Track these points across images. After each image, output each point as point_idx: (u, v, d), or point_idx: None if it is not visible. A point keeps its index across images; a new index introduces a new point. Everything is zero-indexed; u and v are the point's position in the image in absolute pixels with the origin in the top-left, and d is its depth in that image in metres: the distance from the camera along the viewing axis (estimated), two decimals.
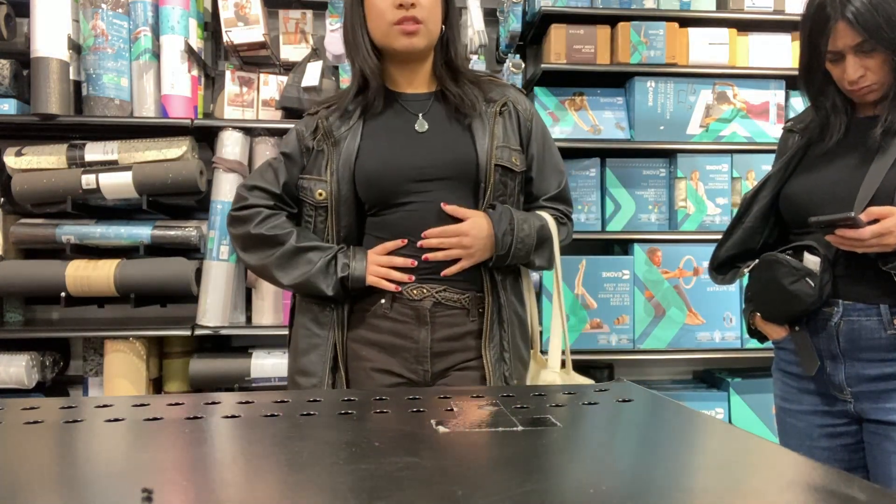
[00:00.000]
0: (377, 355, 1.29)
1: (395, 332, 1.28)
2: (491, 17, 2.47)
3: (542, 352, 1.45)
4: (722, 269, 1.50)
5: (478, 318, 1.31)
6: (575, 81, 2.41)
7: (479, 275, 1.30)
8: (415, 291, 1.27)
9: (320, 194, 1.31)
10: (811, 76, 1.37)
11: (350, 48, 1.33)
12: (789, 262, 1.33)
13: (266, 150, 2.27)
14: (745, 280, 1.47)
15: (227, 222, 1.41)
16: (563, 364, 1.40)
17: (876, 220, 1.20)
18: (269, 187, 1.36)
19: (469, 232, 1.25)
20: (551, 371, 1.37)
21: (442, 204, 1.26)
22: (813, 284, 1.30)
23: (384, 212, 1.30)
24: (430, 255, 1.26)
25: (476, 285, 1.31)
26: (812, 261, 1.32)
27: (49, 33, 2.07)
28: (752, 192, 1.45)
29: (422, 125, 1.32)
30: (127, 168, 2.11)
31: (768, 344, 1.50)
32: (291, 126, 2.22)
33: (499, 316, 1.30)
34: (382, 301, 1.28)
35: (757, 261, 1.41)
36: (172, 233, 2.19)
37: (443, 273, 1.26)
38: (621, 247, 2.48)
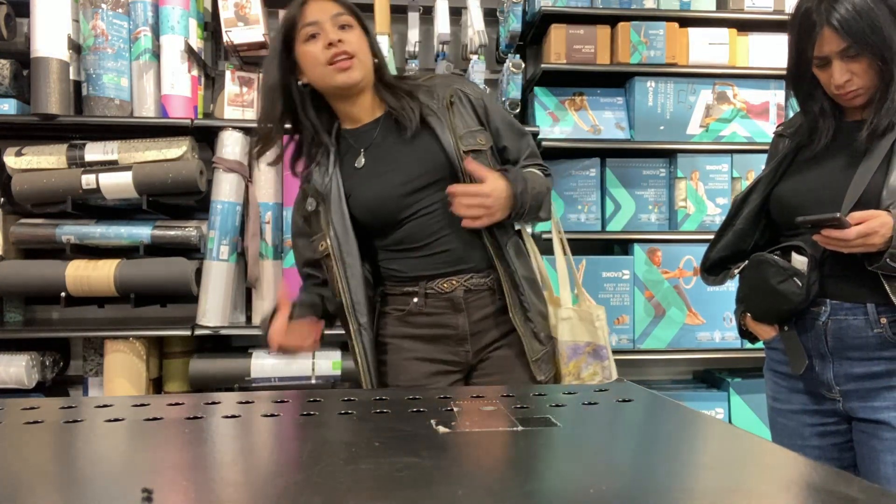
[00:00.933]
0: (419, 346, 1.40)
1: (434, 323, 1.39)
2: (491, 17, 2.47)
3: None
4: (713, 270, 1.52)
5: (503, 295, 1.40)
6: (575, 81, 2.41)
7: (485, 252, 1.39)
8: (445, 285, 1.38)
9: (322, 247, 1.40)
10: (799, 81, 1.39)
11: (267, 105, 1.43)
12: (777, 262, 1.35)
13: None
14: (737, 281, 1.48)
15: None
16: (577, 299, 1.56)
17: (861, 223, 1.21)
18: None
19: (491, 193, 1.31)
20: (565, 308, 1.50)
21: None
22: (800, 284, 1.32)
23: (393, 230, 1.39)
24: (457, 210, 1.32)
25: (485, 262, 1.40)
26: (800, 261, 1.33)
27: (49, 33, 2.07)
28: (743, 194, 1.47)
29: (359, 161, 1.41)
30: (127, 168, 2.11)
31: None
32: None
33: (512, 280, 1.39)
34: (416, 300, 1.39)
35: (747, 262, 1.42)
36: (172, 233, 2.19)
37: (463, 224, 1.32)
38: (621, 247, 2.48)
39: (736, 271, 1.46)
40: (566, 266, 1.56)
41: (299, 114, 1.42)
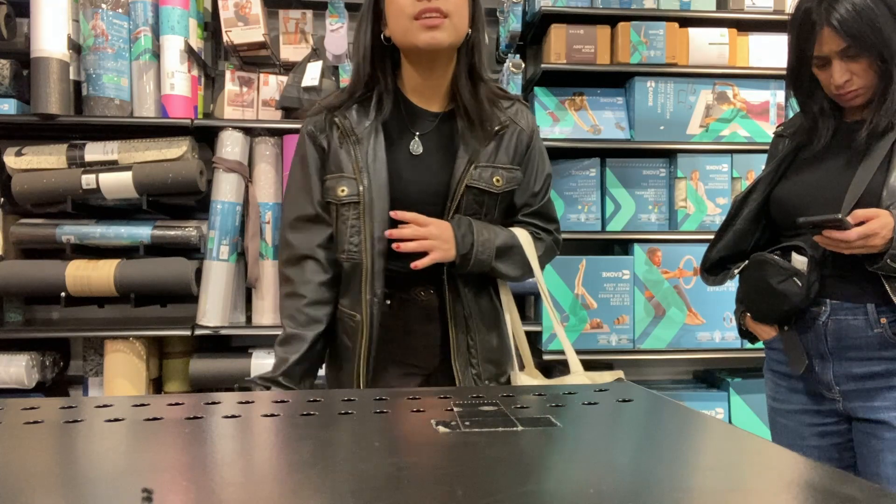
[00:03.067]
0: (394, 348, 1.28)
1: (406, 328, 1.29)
2: (491, 17, 2.47)
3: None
4: (713, 270, 1.52)
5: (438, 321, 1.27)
6: (575, 81, 2.41)
7: (441, 279, 1.25)
8: (421, 293, 1.27)
9: (342, 191, 1.23)
10: (799, 81, 1.39)
11: (354, 49, 1.26)
12: (777, 262, 1.35)
13: (266, 150, 2.27)
14: (737, 281, 1.48)
15: (282, 295, 1.30)
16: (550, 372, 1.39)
17: (862, 223, 1.21)
18: (318, 247, 1.27)
19: (436, 224, 1.20)
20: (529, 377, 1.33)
21: (391, 213, 1.21)
22: (800, 284, 1.32)
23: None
24: (402, 246, 1.20)
25: (435, 286, 1.27)
26: (800, 261, 1.34)
27: (49, 33, 2.07)
28: (743, 194, 1.47)
29: (417, 146, 1.26)
30: (127, 168, 2.11)
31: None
32: (289, 125, 2.25)
33: (463, 321, 1.26)
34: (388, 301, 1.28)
35: (747, 262, 1.42)
36: (172, 233, 2.19)
37: (413, 265, 1.19)
38: (621, 247, 2.48)
39: (736, 271, 1.46)
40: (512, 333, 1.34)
41: (361, 66, 1.25)
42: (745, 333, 1.50)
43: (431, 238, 1.20)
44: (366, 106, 1.26)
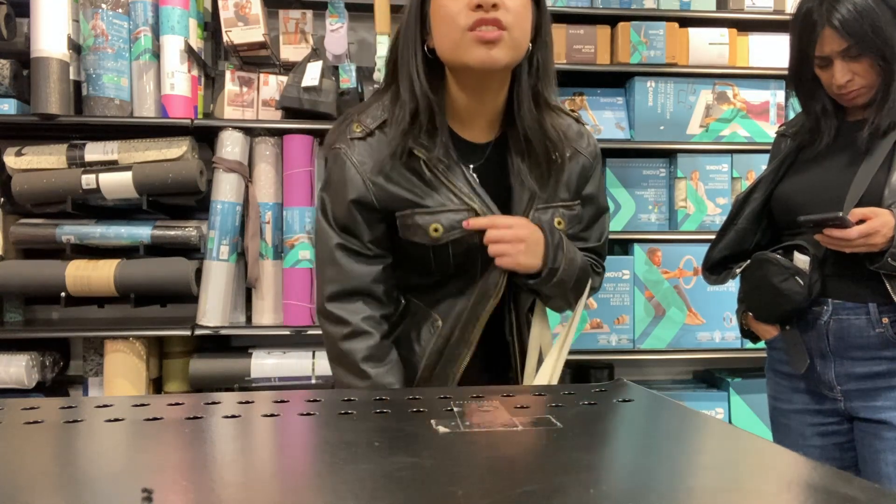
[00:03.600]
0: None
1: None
2: None
3: None
4: (715, 269, 1.51)
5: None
6: (575, 81, 2.41)
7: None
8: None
9: (436, 230, 1.05)
10: (800, 81, 1.40)
11: (400, 67, 1.06)
12: (779, 261, 1.35)
13: (266, 150, 2.27)
14: (738, 281, 1.48)
15: (331, 350, 1.11)
16: None
17: (863, 221, 1.21)
18: (370, 287, 1.09)
19: (525, 225, 1.05)
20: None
21: (464, 223, 1.05)
22: (802, 283, 1.32)
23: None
24: (491, 248, 1.05)
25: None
26: (802, 260, 1.34)
27: (49, 33, 2.07)
28: (745, 193, 1.47)
29: (473, 181, 1.09)
30: (127, 168, 2.11)
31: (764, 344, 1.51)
32: (289, 125, 2.24)
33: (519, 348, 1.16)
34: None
35: (748, 261, 1.42)
36: (172, 233, 2.19)
37: (498, 263, 1.05)
38: (621, 247, 2.48)
39: (738, 271, 1.45)
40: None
41: (414, 84, 1.03)
42: (746, 333, 1.49)
43: (517, 238, 1.04)
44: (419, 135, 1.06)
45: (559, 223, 1.11)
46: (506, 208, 1.09)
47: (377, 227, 1.09)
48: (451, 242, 1.06)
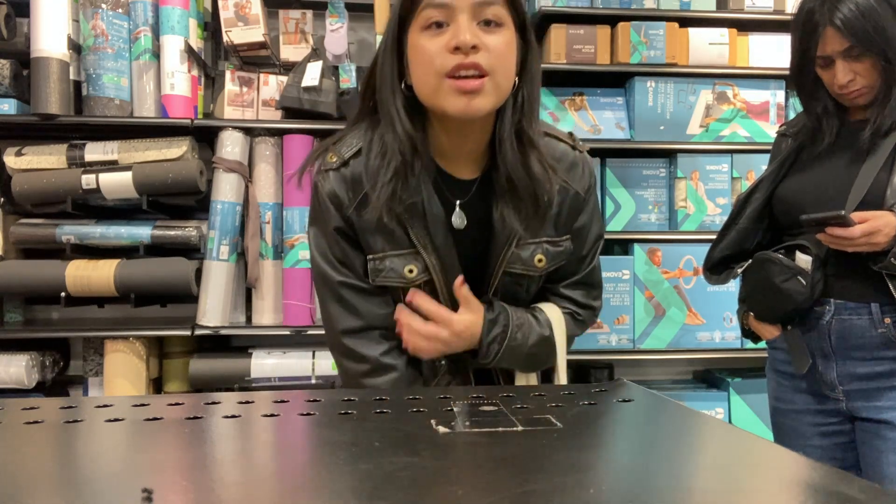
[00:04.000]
0: None
1: None
2: None
3: None
4: (716, 269, 1.51)
5: None
6: (575, 81, 2.41)
7: None
8: None
9: (410, 271, 1.02)
10: (802, 81, 1.39)
11: (380, 107, 1.00)
12: (781, 261, 1.34)
13: (266, 150, 2.27)
14: (738, 281, 1.48)
15: (351, 384, 1.08)
16: None
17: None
18: (384, 321, 1.06)
19: (459, 333, 1.03)
20: None
21: (456, 284, 1.03)
22: (804, 283, 1.32)
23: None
24: (407, 346, 1.04)
25: None
26: (804, 259, 1.33)
27: (49, 33, 2.07)
28: (746, 193, 1.47)
29: (460, 219, 1.04)
30: (127, 168, 2.11)
31: (766, 344, 1.51)
32: (289, 126, 2.25)
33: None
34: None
35: (750, 261, 1.42)
36: (172, 233, 2.19)
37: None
38: (621, 247, 2.48)
39: (739, 271, 1.45)
40: None
41: (396, 127, 0.97)
42: (747, 333, 1.49)
43: (444, 345, 1.03)
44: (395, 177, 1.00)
45: (539, 261, 1.06)
46: (486, 242, 1.06)
47: (362, 258, 1.05)
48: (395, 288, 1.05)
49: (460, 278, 1.03)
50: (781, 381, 1.47)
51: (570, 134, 1.10)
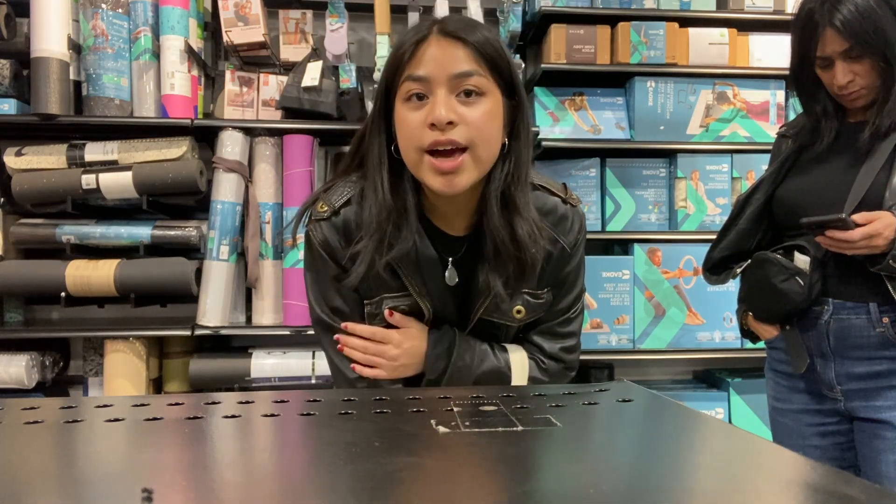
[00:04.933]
0: None
1: None
2: (491, 17, 2.47)
3: None
4: (715, 269, 1.51)
5: None
6: (575, 81, 2.41)
7: None
8: None
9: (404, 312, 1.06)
10: (802, 81, 1.40)
11: (367, 171, 1.01)
12: (780, 261, 1.35)
13: (266, 150, 2.27)
14: (738, 281, 1.48)
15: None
16: None
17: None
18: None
19: (400, 343, 1.04)
20: None
21: (386, 312, 1.04)
22: (803, 283, 1.32)
23: None
24: (356, 366, 1.06)
25: None
26: (802, 260, 1.34)
27: (49, 33, 2.07)
28: (746, 194, 1.47)
29: (452, 276, 1.04)
30: (127, 168, 2.11)
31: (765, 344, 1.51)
32: (289, 126, 2.24)
33: None
34: None
35: (749, 261, 1.42)
36: (172, 233, 2.19)
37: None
38: (621, 247, 2.48)
39: (738, 271, 1.46)
40: None
41: (378, 191, 0.97)
42: (746, 333, 1.50)
43: (388, 357, 1.04)
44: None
45: (518, 311, 1.05)
46: (472, 293, 1.06)
47: (360, 304, 1.07)
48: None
49: (387, 310, 1.04)
50: (780, 380, 1.47)
51: (564, 186, 1.09)
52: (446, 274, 1.03)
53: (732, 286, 1.54)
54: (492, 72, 0.92)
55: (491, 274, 1.00)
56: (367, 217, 0.99)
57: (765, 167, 1.50)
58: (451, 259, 1.03)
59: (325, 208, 1.03)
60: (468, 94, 0.90)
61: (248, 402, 0.69)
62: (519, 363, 1.08)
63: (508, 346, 1.10)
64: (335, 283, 1.05)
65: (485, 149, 0.92)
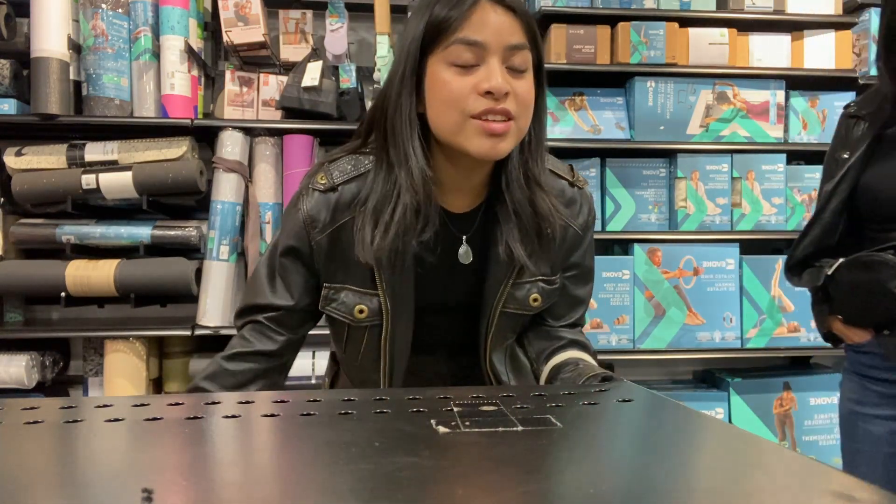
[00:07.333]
0: None
1: None
2: None
3: None
4: (795, 269, 1.40)
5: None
6: (575, 81, 2.41)
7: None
8: None
9: (361, 311, 1.00)
10: (891, 54, 1.26)
11: (391, 138, 0.94)
12: (893, 263, 1.22)
13: (266, 150, 2.27)
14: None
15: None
16: None
17: None
18: (271, 338, 1.02)
19: None
20: None
21: None
22: None
23: None
24: None
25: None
26: None
27: (49, 33, 2.07)
28: (832, 186, 1.34)
29: (466, 254, 1.01)
30: (127, 168, 2.11)
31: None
32: (289, 125, 2.25)
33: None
34: None
35: (841, 260, 1.31)
36: (172, 233, 2.19)
37: None
38: (621, 247, 2.48)
39: (829, 271, 1.33)
40: None
41: (410, 158, 0.92)
42: (829, 336, 1.40)
43: None
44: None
45: (535, 300, 1.05)
46: (483, 275, 1.04)
47: (307, 281, 1.02)
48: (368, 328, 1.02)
49: None
50: (868, 385, 1.36)
51: (571, 168, 1.08)
52: (460, 251, 1.01)
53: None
54: (532, 48, 0.92)
55: (513, 242, 0.98)
56: (385, 188, 0.94)
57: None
58: (464, 237, 1.01)
59: (324, 181, 1.00)
60: (517, 71, 0.90)
61: (247, 402, 0.69)
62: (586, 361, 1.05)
63: (565, 350, 1.06)
64: (290, 254, 1.02)
65: (526, 122, 0.93)
